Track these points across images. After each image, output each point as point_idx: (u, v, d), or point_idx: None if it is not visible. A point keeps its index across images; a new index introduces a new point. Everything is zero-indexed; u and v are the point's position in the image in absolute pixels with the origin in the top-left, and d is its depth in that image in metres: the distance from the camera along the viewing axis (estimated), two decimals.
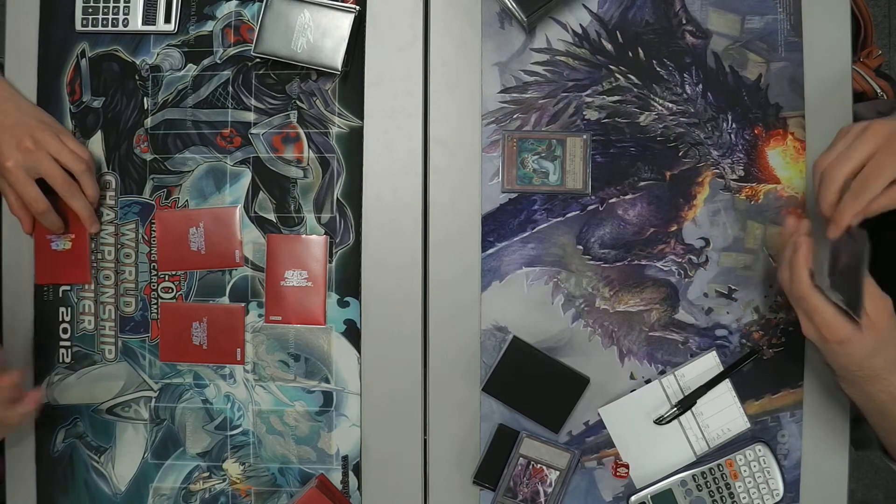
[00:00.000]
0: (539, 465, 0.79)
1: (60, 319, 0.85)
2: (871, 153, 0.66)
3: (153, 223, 0.85)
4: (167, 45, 0.85)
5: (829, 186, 0.67)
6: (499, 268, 0.83)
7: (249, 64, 0.85)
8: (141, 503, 0.84)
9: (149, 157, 0.85)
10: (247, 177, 0.85)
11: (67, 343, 0.85)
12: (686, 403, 0.80)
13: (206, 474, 0.84)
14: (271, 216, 0.84)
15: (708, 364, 0.81)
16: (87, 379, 0.85)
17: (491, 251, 0.83)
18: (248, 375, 0.84)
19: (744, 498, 0.79)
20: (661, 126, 0.82)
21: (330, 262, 0.84)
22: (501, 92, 0.83)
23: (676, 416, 0.80)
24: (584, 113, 0.82)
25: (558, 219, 0.82)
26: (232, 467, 0.84)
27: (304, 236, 0.84)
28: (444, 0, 0.84)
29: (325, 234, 0.84)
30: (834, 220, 0.67)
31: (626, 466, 0.81)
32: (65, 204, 0.82)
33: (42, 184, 0.80)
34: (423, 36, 0.84)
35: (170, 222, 0.85)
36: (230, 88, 0.85)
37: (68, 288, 0.85)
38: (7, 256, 0.85)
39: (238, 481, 0.84)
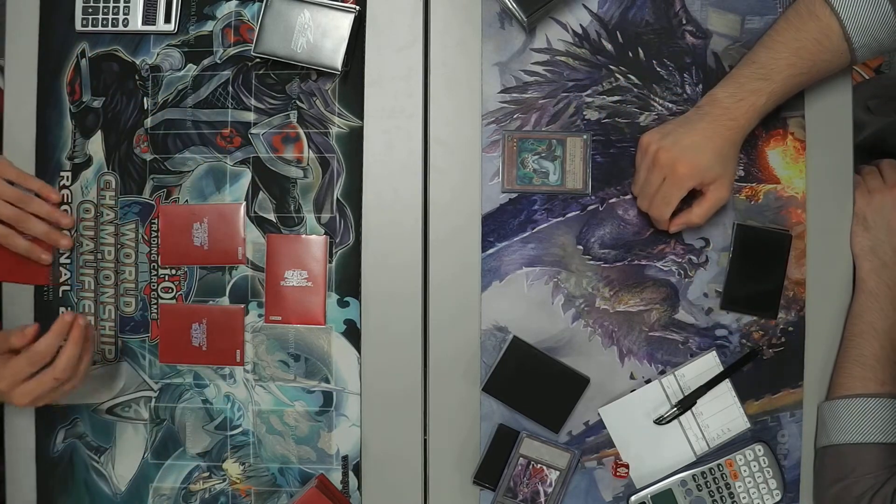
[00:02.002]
0: (539, 465, 0.79)
1: None
2: (661, 182, 0.75)
3: (153, 223, 0.85)
4: (167, 45, 0.85)
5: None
6: (499, 268, 0.82)
7: (249, 64, 0.85)
8: (141, 503, 0.84)
9: (149, 157, 0.85)
10: (247, 177, 0.85)
11: None
12: (686, 403, 0.80)
13: (206, 474, 0.84)
14: (271, 216, 0.84)
15: (708, 364, 0.81)
16: (87, 379, 0.85)
17: (491, 251, 0.83)
18: (248, 375, 0.84)
19: (744, 498, 0.79)
20: None
21: (330, 262, 0.84)
22: (501, 92, 0.83)
23: (676, 416, 0.80)
24: (584, 113, 0.82)
25: (558, 219, 0.82)
26: (232, 467, 0.84)
27: (304, 236, 0.84)
28: (444, 0, 0.84)
29: (325, 234, 0.84)
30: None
31: (626, 466, 0.81)
32: None
33: None
34: (423, 36, 0.84)
35: (174, 216, 0.85)
36: (230, 88, 0.85)
37: (68, 288, 0.85)
38: None
39: (238, 481, 0.84)
